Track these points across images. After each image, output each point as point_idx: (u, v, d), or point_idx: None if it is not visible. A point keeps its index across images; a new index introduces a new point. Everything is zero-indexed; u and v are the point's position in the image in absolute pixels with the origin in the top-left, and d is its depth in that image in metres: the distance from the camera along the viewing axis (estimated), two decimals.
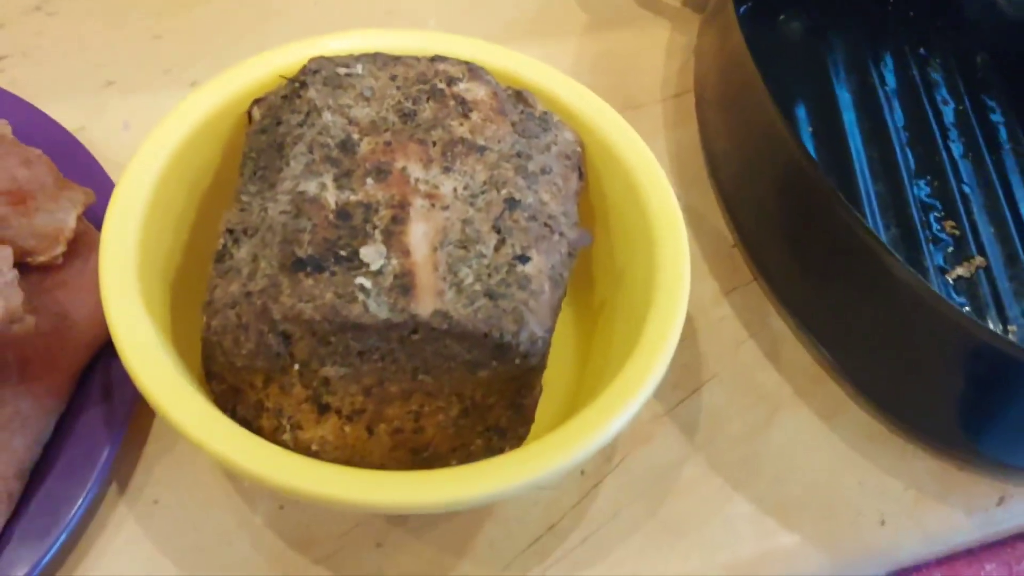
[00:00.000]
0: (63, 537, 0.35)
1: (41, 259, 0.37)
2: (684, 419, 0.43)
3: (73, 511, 0.35)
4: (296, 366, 0.33)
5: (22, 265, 0.37)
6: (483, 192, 0.35)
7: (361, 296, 0.31)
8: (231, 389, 0.35)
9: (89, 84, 0.51)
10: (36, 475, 0.36)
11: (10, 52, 0.51)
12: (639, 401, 0.33)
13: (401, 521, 0.39)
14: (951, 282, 0.49)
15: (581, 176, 0.39)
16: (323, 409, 0.34)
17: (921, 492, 0.43)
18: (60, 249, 0.37)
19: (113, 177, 0.44)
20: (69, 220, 0.38)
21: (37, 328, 0.36)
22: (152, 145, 0.36)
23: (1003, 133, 0.56)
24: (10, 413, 0.35)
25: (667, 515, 0.41)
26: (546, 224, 0.35)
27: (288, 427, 0.35)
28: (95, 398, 0.38)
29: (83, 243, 0.39)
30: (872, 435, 0.44)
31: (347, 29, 0.42)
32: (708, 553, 0.40)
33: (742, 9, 0.59)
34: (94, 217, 0.41)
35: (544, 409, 0.37)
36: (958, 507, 0.43)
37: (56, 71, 0.51)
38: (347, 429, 0.35)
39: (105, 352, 0.39)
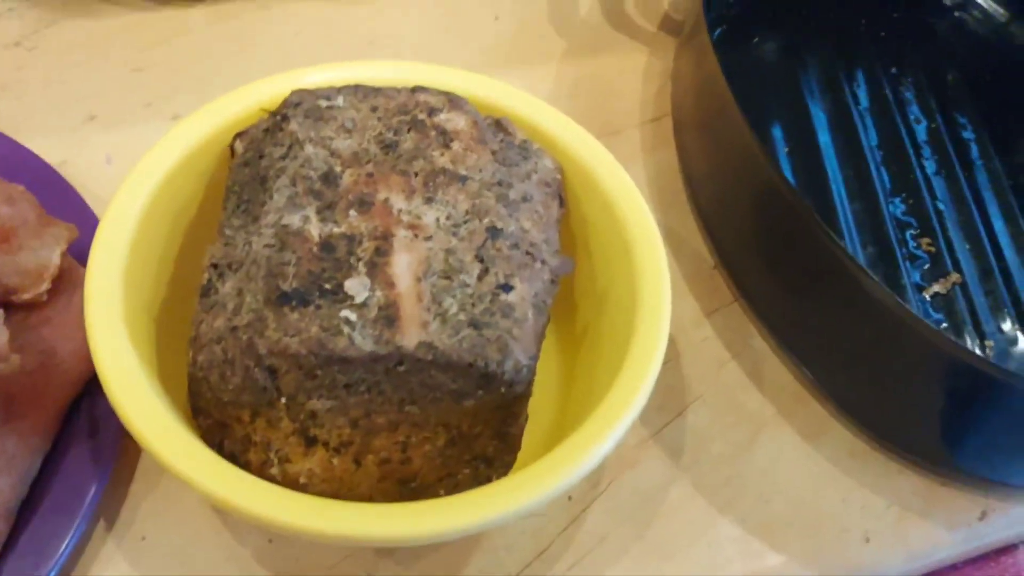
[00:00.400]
0: None
1: (25, 297, 0.37)
2: (669, 442, 0.44)
3: (61, 550, 0.35)
4: (283, 400, 0.33)
5: (6, 303, 0.37)
6: (465, 222, 0.35)
7: (346, 329, 0.32)
8: (218, 424, 0.35)
9: (70, 118, 0.51)
10: (22, 514, 0.36)
11: None
12: (623, 427, 0.33)
13: (389, 553, 0.39)
14: (928, 299, 0.50)
15: (562, 203, 0.40)
16: (310, 442, 0.34)
17: (904, 509, 0.43)
18: (45, 286, 0.38)
19: (97, 211, 0.45)
20: (53, 257, 0.38)
21: (22, 366, 0.36)
22: (135, 180, 0.37)
23: (975, 150, 0.57)
24: None
25: (655, 538, 0.41)
26: (528, 252, 0.36)
27: (276, 460, 0.35)
28: (81, 435, 0.38)
29: (67, 280, 0.39)
30: (854, 453, 0.45)
31: (328, 60, 0.42)
32: (696, 574, 0.40)
33: (716, 32, 0.59)
34: (78, 253, 0.41)
35: (529, 437, 0.37)
36: (941, 523, 0.43)
37: (37, 106, 0.51)
38: (335, 461, 0.35)
39: (90, 389, 0.39)
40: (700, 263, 0.50)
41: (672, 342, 0.47)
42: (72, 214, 0.43)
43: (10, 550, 0.35)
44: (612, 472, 0.42)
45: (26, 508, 0.36)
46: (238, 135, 0.39)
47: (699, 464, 0.43)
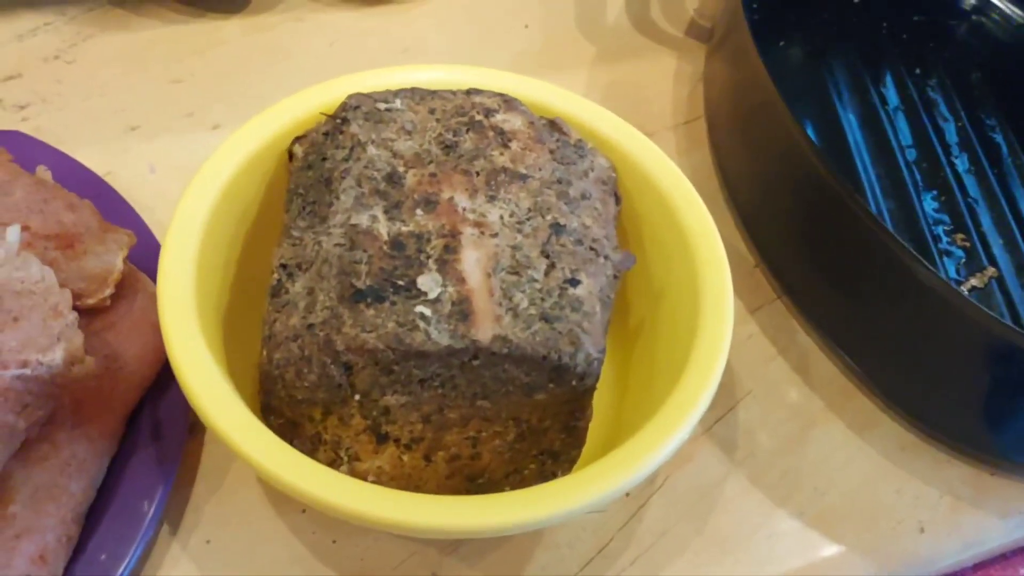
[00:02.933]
0: None
1: (90, 301, 0.37)
2: (722, 437, 0.44)
3: (131, 552, 0.35)
4: (356, 396, 0.33)
5: (72, 308, 0.37)
6: (529, 219, 0.36)
7: (422, 324, 0.32)
8: (289, 423, 0.35)
9: (112, 129, 0.51)
10: (91, 517, 0.36)
11: (31, 100, 0.52)
12: (689, 426, 0.34)
13: (454, 550, 0.39)
14: (966, 293, 0.50)
15: (618, 201, 0.40)
16: (382, 439, 0.35)
17: (956, 498, 0.44)
18: (109, 291, 0.38)
19: (145, 219, 0.45)
20: (116, 262, 0.38)
21: (92, 369, 0.36)
22: (200, 185, 0.37)
23: (1004, 148, 0.58)
24: (66, 457, 0.35)
25: (713, 532, 0.41)
26: (591, 248, 0.36)
27: (346, 458, 0.35)
28: (145, 439, 0.38)
29: (128, 285, 0.39)
30: (904, 445, 0.45)
31: (362, 69, 0.42)
32: (756, 567, 0.41)
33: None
34: (131, 259, 0.42)
35: (589, 431, 0.37)
36: (992, 512, 0.44)
37: (79, 118, 0.51)
38: (405, 458, 0.35)
39: (152, 393, 0.39)
40: (741, 261, 0.51)
41: None
42: (122, 222, 0.44)
43: (80, 554, 0.35)
44: (668, 468, 0.43)
45: (94, 512, 0.36)
46: (297, 139, 0.39)
47: (753, 458, 0.44)
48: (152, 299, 0.40)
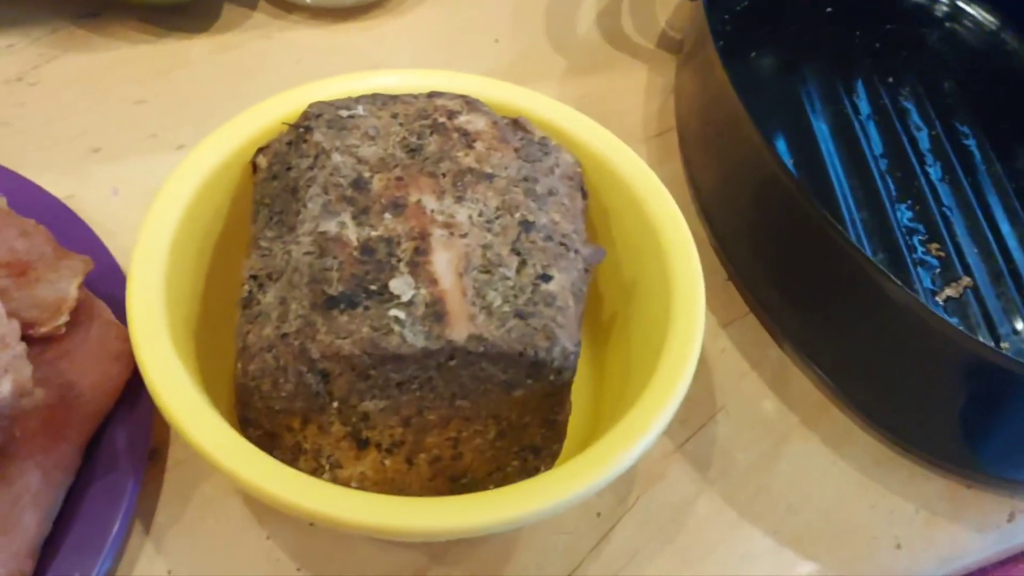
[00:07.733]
0: None
1: (44, 330, 0.37)
2: (695, 454, 0.44)
3: None
4: (335, 404, 0.33)
5: (25, 337, 0.36)
6: (498, 217, 0.36)
7: (397, 327, 0.32)
8: (268, 435, 0.34)
9: (75, 152, 0.50)
10: (47, 550, 0.35)
11: None
12: (667, 415, 0.33)
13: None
14: (941, 303, 0.50)
15: (584, 195, 0.40)
16: (362, 444, 0.34)
17: (932, 513, 0.43)
18: (63, 319, 0.37)
19: (106, 243, 0.44)
20: (71, 290, 0.37)
21: (42, 400, 0.35)
22: (163, 204, 0.36)
23: (977, 156, 0.58)
24: (19, 489, 0.34)
25: (685, 553, 0.41)
26: (561, 243, 0.36)
27: (327, 466, 0.35)
28: (103, 469, 0.37)
29: (84, 312, 0.39)
30: (879, 459, 0.45)
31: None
32: None
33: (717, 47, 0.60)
34: (92, 285, 0.41)
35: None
36: (970, 526, 0.43)
37: (40, 140, 0.51)
38: (387, 462, 0.35)
39: (109, 422, 0.38)
40: (713, 275, 0.50)
41: None
42: (83, 246, 0.43)
43: None
44: (640, 487, 0.42)
45: (50, 545, 0.35)
46: (260, 150, 0.39)
47: (726, 476, 0.43)
48: (108, 326, 0.39)
